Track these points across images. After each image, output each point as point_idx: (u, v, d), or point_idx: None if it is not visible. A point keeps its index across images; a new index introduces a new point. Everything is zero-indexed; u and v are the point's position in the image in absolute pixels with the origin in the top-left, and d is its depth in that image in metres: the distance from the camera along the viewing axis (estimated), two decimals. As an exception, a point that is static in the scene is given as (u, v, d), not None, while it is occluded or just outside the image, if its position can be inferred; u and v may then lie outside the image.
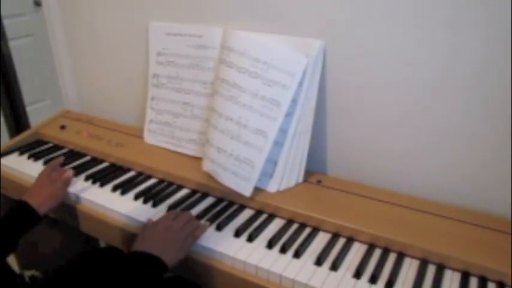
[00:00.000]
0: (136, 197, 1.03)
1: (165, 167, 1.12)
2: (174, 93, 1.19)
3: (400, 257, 0.84)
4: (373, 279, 0.78)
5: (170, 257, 0.80)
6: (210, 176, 1.05)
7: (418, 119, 0.94)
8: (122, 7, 1.27)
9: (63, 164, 1.17)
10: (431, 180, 0.98)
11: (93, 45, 1.41)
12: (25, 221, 0.92)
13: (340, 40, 0.96)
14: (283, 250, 0.85)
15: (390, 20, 0.89)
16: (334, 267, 0.81)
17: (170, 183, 1.10)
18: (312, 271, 0.80)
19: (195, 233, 0.87)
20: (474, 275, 0.79)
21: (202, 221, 0.93)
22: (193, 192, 1.07)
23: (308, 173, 1.05)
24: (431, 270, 0.81)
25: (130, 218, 0.97)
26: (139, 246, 0.80)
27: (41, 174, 1.05)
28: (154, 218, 0.95)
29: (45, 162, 1.20)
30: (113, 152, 1.21)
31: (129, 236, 0.97)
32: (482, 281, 0.78)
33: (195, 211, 0.98)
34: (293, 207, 0.95)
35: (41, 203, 0.95)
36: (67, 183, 1.04)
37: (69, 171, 1.06)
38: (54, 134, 1.34)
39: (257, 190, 1.00)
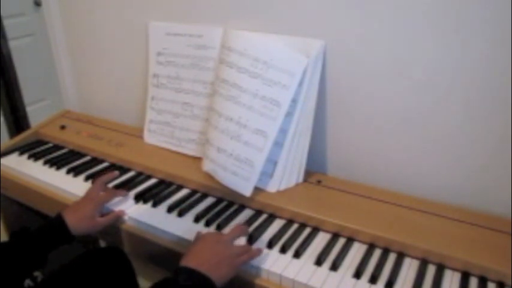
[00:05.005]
0: (137, 197, 1.03)
1: (165, 167, 1.12)
2: (174, 93, 1.19)
3: (400, 257, 0.84)
4: (373, 279, 0.78)
5: (219, 273, 0.74)
6: (210, 176, 1.05)
7: (418, 119, 0.94)
8: (121, 7, 1.27)
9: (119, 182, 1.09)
10: (431, 180, 0.98)
11: (93, 45, 1.41)
12: (57, 239, 0.87)
13: (340, 40, 0.96)
14: (283, 250, 0.85)
15: (391, 20, 0.89)
16: (334, 267, 0.81)
17: (170, 183, 1.10)
18: (312, 271, 0.80)
19: (253, 251, 0.81)
20: (474, 275, 0.79)
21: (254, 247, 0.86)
22: (193, 192, 1.07)
23: (308, 173, 1.05)
24: (431, 270, 0.81)
25: (130, 217, 0.97)
26: (186, 261, 0.75)
27: (90, 191, 0.98)
28: (156, 219, 0.96)
29: (45, 162, 1.20)
30: (112, 152, 1.21)
31: (130, 236, 0.97)
32: (482, 281, 0.78)
33: (195, 211, 0.98)
34: (293, 207, 0.95)
35: (77, 224, 0.89)
36: (115, 218, 0.96)
37: (120, 212, 0.97)
38: (54, 134, 1.34)
39: (257, 190, 1.00)
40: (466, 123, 0.90)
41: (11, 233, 0.87)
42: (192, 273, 0.72)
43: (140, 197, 1.03)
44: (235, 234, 0.83)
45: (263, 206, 0.98)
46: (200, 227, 0.94)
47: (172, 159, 1.17)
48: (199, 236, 0.84)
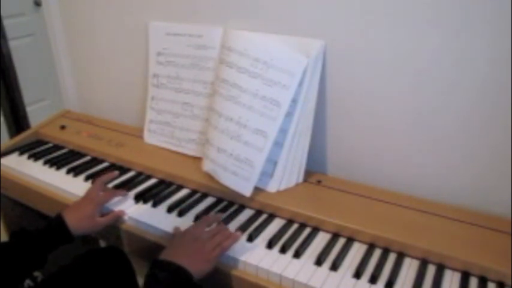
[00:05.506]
0: (137, 197, 1.03)
1: (165, 167, 1.12)
2: (174, 93, 1.19)
3: (400, 257, 0.84)
4: (373, 279, 0.78)
5: (196, 267, 0.77)
6: (210, 176, 1.05)
7: (418, 119, 0.94)
8: (121, 7, 1.27)
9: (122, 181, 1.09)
10: (431, 180, 0.98)
11: (93, 46, 1.41)
12: (57, 239, 0.87)
13: (340, 40, 0.96)
14: (283, 250, 0.85)
15: (391, 20, 0.89)
16: (334, 267, 0.81)
17: (170, 183, 1.10)
18: (312, 271, 0.80)
19: (225, 243, 0.83)
20: (474, 275, 0.79)
21: (237, 232, 0.89)
22: (193, 192, 1.07)
23: (308, 173, 1.05)
24: (431, 270, 0.81)
25: (130, 217, 0.97)
26: (164, 255, 0.78)
27: (90, 191, 0.98)
28: (156, 219, 0.96)
29: (45, 162, 1.20)
30: (112, 152, 1.21)
31: (130, 236, 0.97)
32: (482, 281, 0.78)
33: (195, 211, 0.98)
34: (293, 207, 0.95)
35: (77, 224, 0.89)
36: (114, 218, 0.96)
37: (120, 212, 0.97)
38: (54, 134, 1.34)
39: (257, 190, 1.00)
40: (466, 123, 0.89)
41: (11, 233, 0.87)
42: (169, 265, 0.75)
43: (140, 197, 1.03)
44: (214, 230, 0.86)
45: (263, 206, 0.98)
46: (200, 227, 0.94)
47: (172, 159, 1.17)
48: (176, 233, 0.88)
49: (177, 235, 0.87)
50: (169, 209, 0.99)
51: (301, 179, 1.04)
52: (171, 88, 1.19)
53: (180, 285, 0.74)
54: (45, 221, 0.90)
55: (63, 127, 1.37)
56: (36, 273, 0.93)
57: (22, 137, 1.34)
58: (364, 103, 0.99)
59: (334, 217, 0.91)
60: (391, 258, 0.84)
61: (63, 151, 1.29)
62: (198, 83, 1.14)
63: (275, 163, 1.00)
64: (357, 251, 0.86)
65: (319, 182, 1.04)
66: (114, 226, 0.98)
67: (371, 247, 0.87)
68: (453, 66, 0.86)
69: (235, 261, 0.84)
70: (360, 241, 0.88)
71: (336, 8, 0.94)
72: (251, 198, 0.99)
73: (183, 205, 1.00)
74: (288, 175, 1.01)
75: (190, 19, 1.15)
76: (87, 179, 1.12)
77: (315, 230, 0.92)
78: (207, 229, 0.87)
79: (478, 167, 0.92)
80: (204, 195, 1.05)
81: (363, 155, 1.04)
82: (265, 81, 0.95)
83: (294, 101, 0.96)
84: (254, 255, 0.84)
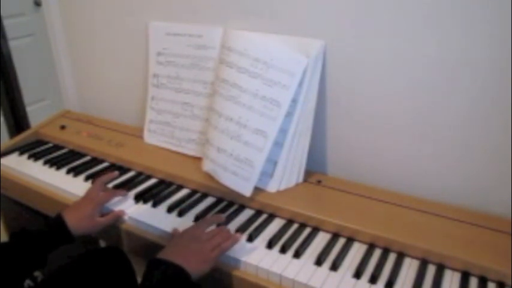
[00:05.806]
0: (137, 197, 1.03)
1: (165, 167, 1.12)
2: (174, 93, 1.19)
3: (400, 257, 0.84)
4: (373, 279, 0.78)
5: (194, 267, 0.77)
6: (210, 176, 1.05)
7: (418, 119, 0.94)
8: (121, 7, 1.27)
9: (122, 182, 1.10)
10: (431, 180, 0.98)
11: (93, 46, 1.41)
12: (57, 239, 0.88)
13: (340, 40, 0.96)
14: (283, 250, 0.85)
15: (391, 20, 0.89)
16: (334, 267, 0.81)
17: (170, 183, 1.10)
18: (312, 271, 0.80)
19: (224, 244, 0.83)
20: (474, 275, 0.79)
21: (237, 233, 0.89)
22: (193, 192, 1.07)
23: (308, 173, 1.05)
24: (431, 270, 0.81)
25: (130, 217, 0.97)
26: (162, 254, 0.78)
27: (90, 191, 0.99)
28: (156, 219, 0.96)
29: (45, 162, 1.20)
30: (112, 152, 1.21)
31: (130, 236, 0.97)
32: (482, 281, 0.78)
33: (195, 211, 0.98)
34: (293, 207, 0.95)
35: (77, 224, 0.90)
36: (114, 218, 0.97)
37: (120, 212, 0.98)
38: (54, 134, 1.34)
39: (257, 190, 1.00)
40: (466, 123, 0.89)
41: (11, 233, 0.87)
42: (166, 264, 0.75)
43: (140, 197, 1.03)
44: (214, 231, 0.86)
45: (263, 206, 0.98)
46: (200, 227, 0.94)
47: (172, 159, 1.17)
48: (175, 234, 0.88)
49: (175, 235, 0.87)
50: (169, 209, 0.99)
51: (301, 179, 1.04)
52: (171, 88, 1.19)
53: (178, 284, 0.75)
54: (45, 221, 0.90)
55: (63, 127, 1.37)
56: (36, 273, 0.93)
57: (22, 137, 1.34)
58: (364, 103, 0.99)
59: (334, 217, 0.91)
60: (391, 258, 0.84)
61: (63, 151, 1.29)
62: (198, 83, 1.14)
63: (275, 163, 1.00)
64: (357, 251, 0.86)
65: (319, 182, 1.04)
66: (114, 226, 0.98)
67: (371, 247, 0.87)
68: (453, 66, 0.86)
69: (236, 261, 0.84)
70: (360, 241, 0.88)
71: (336, 8, 0.94)
72: (251, 198, 0.99)
73: (183, 205, 1.00)
74: (288, 175, 1.01)
75: (190, 19, 1.15)
76: (87, 179, 1.12)
77: (315, 230, 0.92)
78: (208, 230, 0.87)
79: (478, 167, 0.92)
80: (204, 195, 1.05)
81: (363, 155, 1.04)
82: (265, 81, 0.95)
83: (294, 101, 0.96)
84: (254, 255, 0.84)
